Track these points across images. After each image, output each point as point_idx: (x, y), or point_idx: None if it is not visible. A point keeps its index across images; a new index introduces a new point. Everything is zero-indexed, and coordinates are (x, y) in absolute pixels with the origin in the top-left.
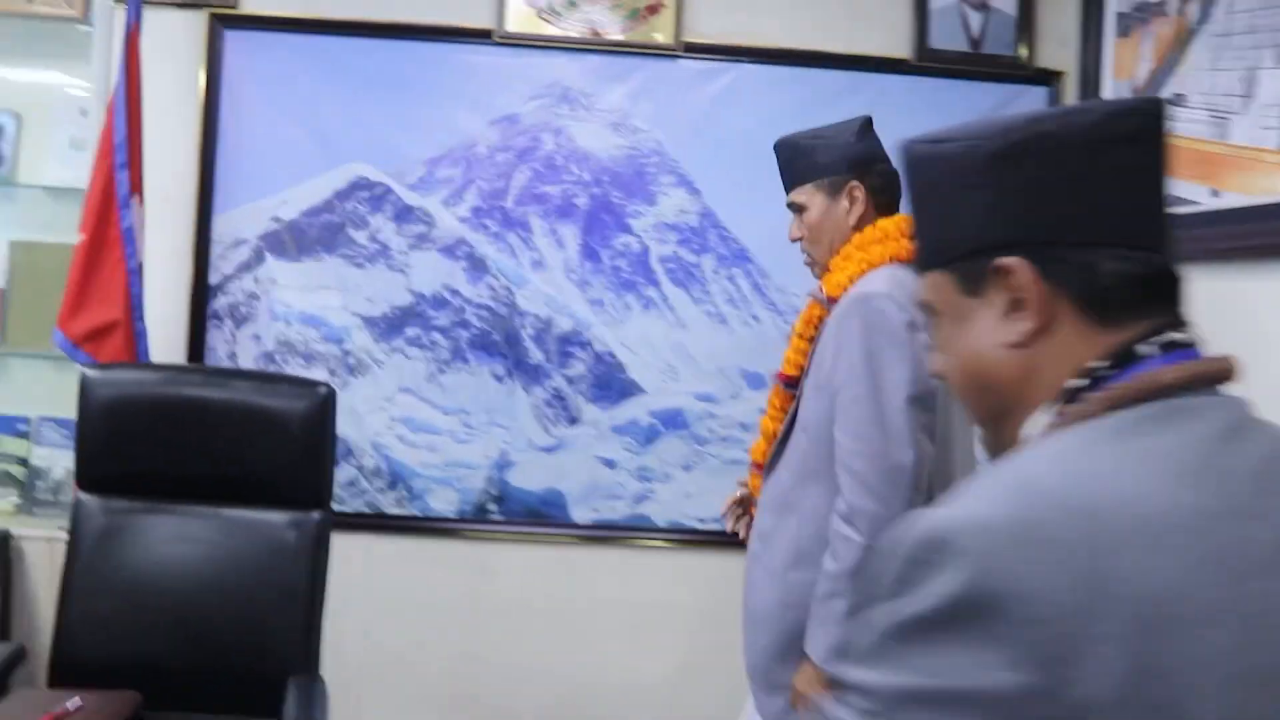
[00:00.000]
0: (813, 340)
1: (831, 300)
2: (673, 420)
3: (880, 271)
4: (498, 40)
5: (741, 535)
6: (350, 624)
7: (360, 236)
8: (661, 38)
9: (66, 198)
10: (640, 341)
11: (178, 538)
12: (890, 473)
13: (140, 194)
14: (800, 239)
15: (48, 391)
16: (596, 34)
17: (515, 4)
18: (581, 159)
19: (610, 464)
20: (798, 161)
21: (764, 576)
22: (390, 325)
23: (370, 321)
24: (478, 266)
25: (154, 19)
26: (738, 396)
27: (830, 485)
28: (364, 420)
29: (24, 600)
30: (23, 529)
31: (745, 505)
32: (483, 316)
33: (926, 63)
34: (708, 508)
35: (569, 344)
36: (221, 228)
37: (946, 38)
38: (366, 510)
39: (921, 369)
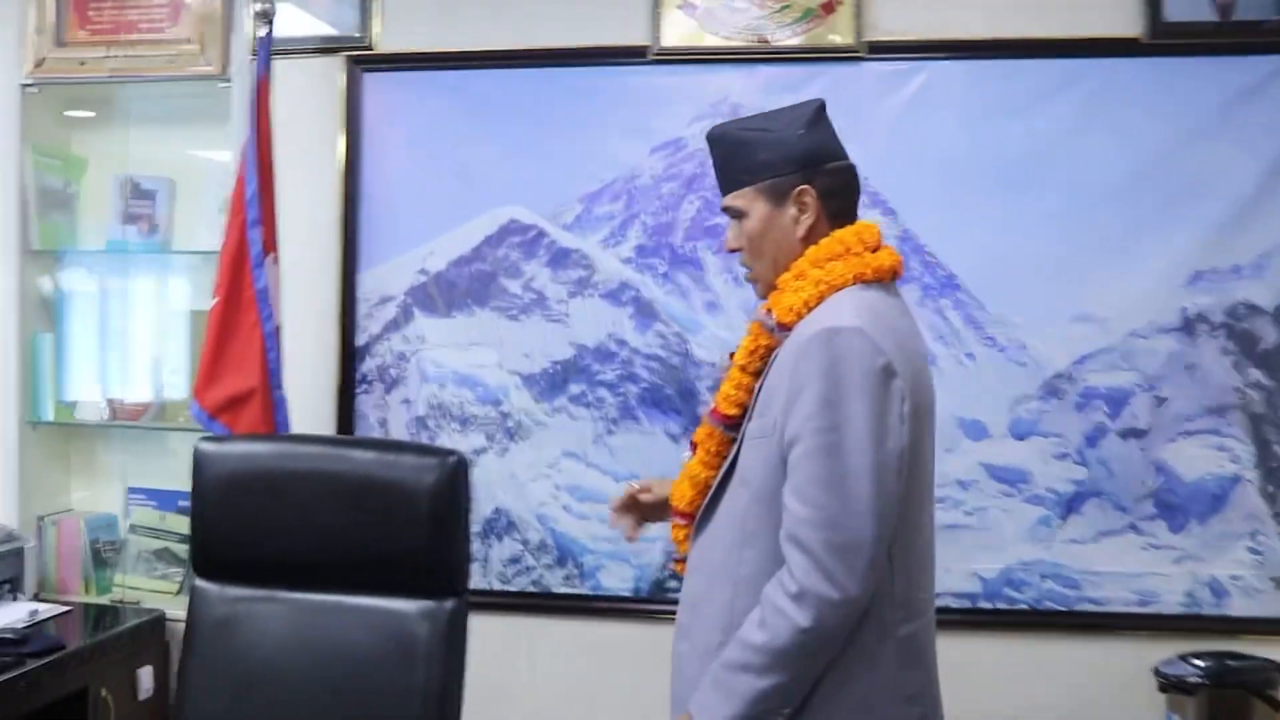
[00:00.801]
0: (757, 374)
1: (782, 328)
2: None
3: (845, 297)
4: (654, 58)
5: (630, 536)
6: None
7: (514, 286)
8: (840, 39)
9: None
10: None
11: (297, 630)
12: (846, 550)
13: (275, 252)
14: (738, 250)
15: None
16: (765, 41)
17: (672, 16)
18: None
19: None
20: (735, 159)
21: (691, 655)
22: (551, 383)
23: (529, 379)
24: (645, 312)
25: (288, 68)
26: (953, 450)
27: (772, 550)
28: (526, 489)
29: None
30: (179, 610)
31: (637, 506)
32: (653, 368)
33: (1162, 40)
34: None
35: None
36: (367, 285)
37: (1186, 8)
38: (533, 589)
39: (895, 424)
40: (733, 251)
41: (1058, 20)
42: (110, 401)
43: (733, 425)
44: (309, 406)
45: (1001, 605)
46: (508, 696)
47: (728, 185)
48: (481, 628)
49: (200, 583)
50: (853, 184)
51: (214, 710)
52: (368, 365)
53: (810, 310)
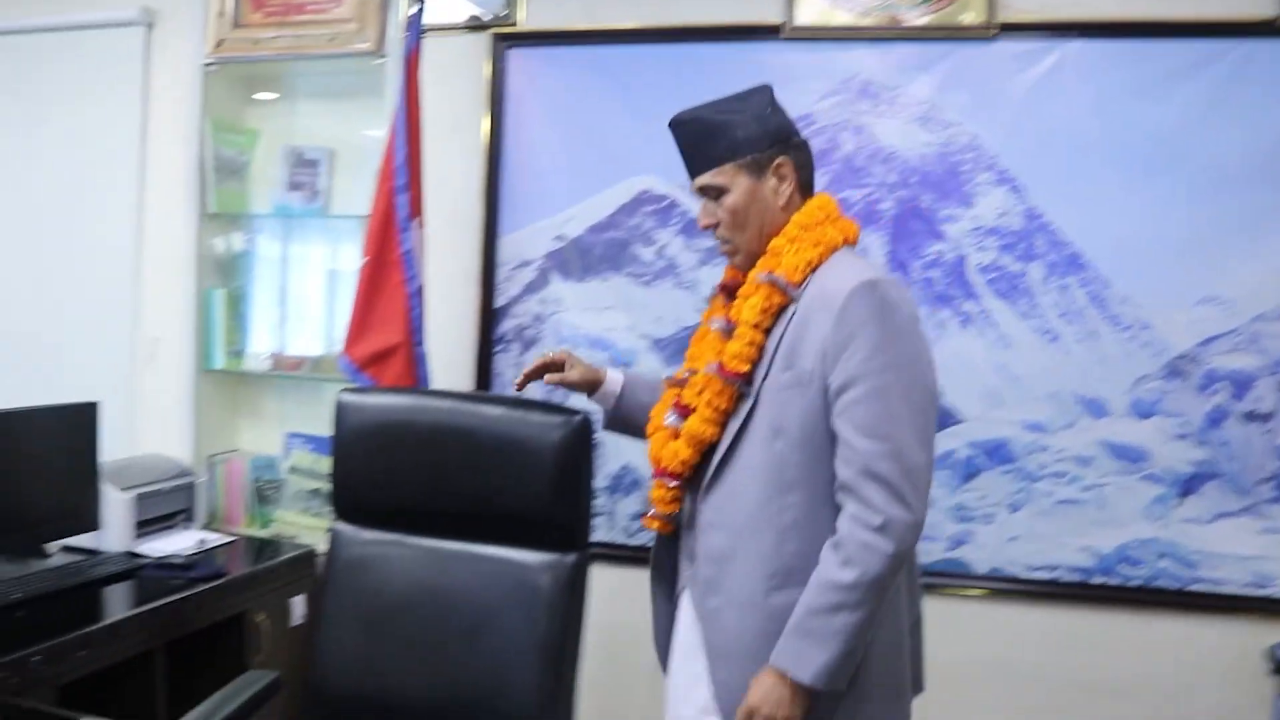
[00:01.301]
0: (769, 332)
1: (793, 286)
2: (996, 453)
3: (846, 257)
4: (787, 35)
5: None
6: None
7: (646, 253)
8: (972, 19)
9: None
10: (958, 363)
11: (425, 574)
12: (913, 474)
13: (420, 217)
14: (713, 225)
15: None
16: (896, 21)
17: None
18: (885, 159)
19: None
20: (711, 139)
21: (728, 607)
22: (680, 346)
23: (659, 343)
24: None
25: (438, 45)
26: (1074, 425)
27: (815, 493)
28: None
29: None
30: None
31: (551, 369)
32: None
33: None
34: (1038, 554)
35: None
36: (507, 249)
37: None
38: None
39: (931, 360)
40: (707, 228)
41: (1190, 1)
42: (273, 353)
43: (743, 381)
44: (450, 364)
45: (1115, 581)
46: (630, 647)
47: (704, 165)
48: (606, 580)
49: (337, 524)
50: (811, 159)
51: (348, 641)
52: (506, 325)
53: (815, 269)
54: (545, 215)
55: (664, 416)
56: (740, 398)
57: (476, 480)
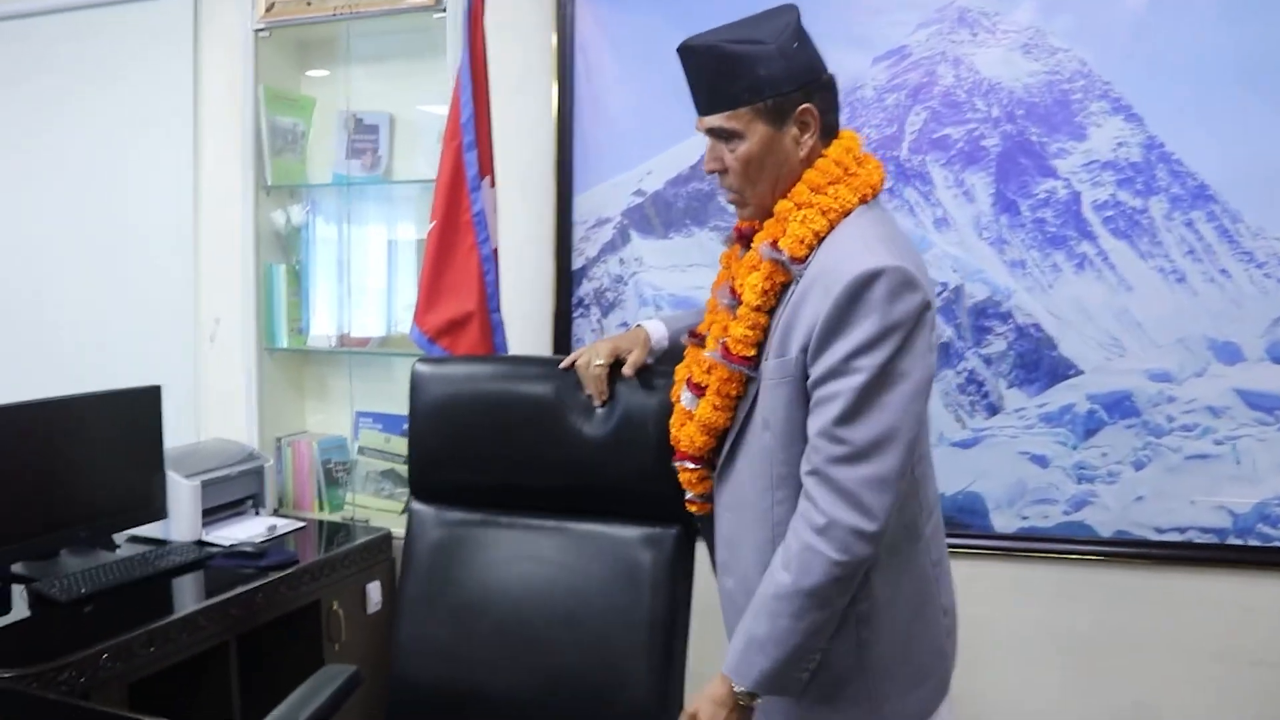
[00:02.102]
0: (772, 313)
1: (795, 262)
2: (1118, 405)
3: (857, 225)
4: None
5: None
6: None
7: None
8: None
9: None
10: (1074, 309)
11: (516, 555)
12: (875, 482)
13: (491, 175)
14: (721, 171)
15: None
16: None
17: None
18: (988, 91)
19: (1040, 461)
20: (728, 76)
21: (739, 590)
22: None
23: None
24: None
25: None
26: (1204, 373)
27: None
28: None
29: None
30: (404, 528)
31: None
32: None
33: None
34: (1166, 514)
35: (985, 316)
36: (582, 207)
37: None
38: None
39: (925, 353)
40: (712, 174)
41: None
42: (338, 329)
43: (750, 366)
44: (525, 331)
45: (1254, 542)
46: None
47: (717, 105)
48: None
49: (417, 505)
50: (837, 97)
51: (433, 630)
52: (584, 289)
53: (821, 240)
54: (622, 170)
55: (680, 391)
56: (749, 381)
57: (571, 451)
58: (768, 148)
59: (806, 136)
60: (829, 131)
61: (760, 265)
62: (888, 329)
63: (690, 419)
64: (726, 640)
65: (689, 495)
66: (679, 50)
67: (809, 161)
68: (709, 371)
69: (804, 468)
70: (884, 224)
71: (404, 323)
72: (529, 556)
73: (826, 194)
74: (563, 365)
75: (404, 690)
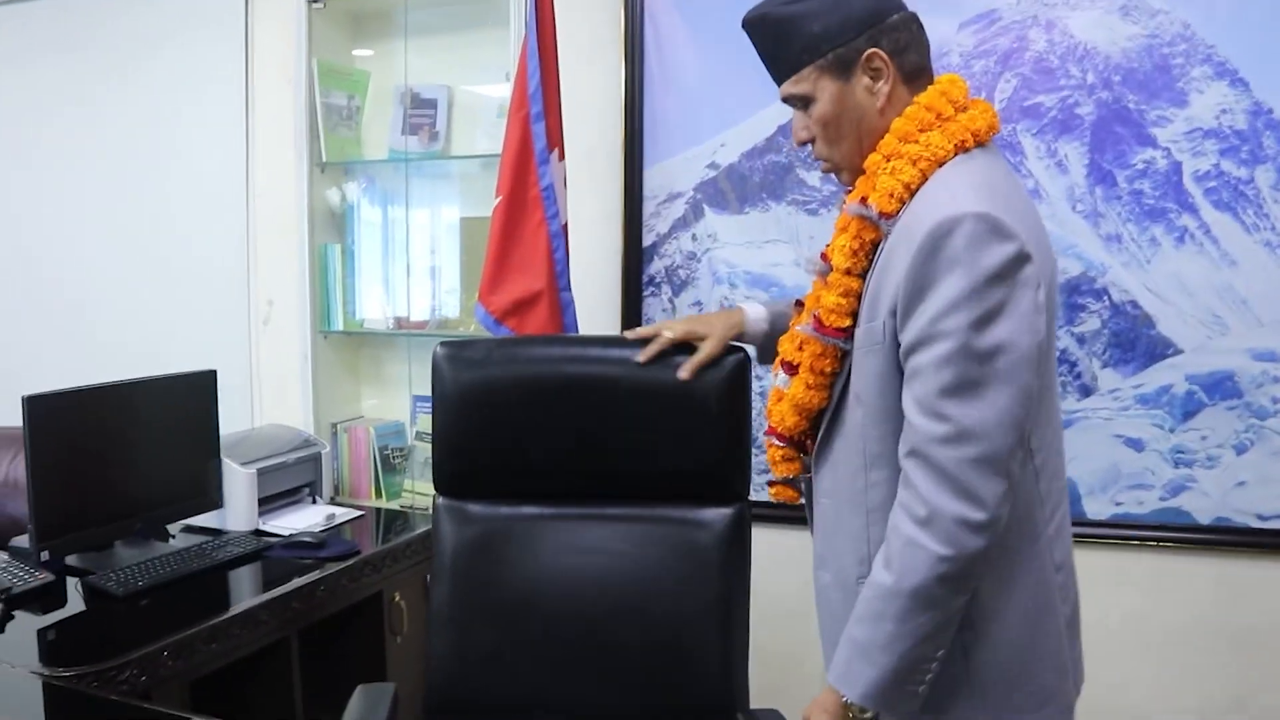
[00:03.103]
0: (864, 276)
1: (885, 218)
2: (1220, 387)
3: (952, 172)
4: None
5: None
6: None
7: (812, 177)
8: None
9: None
10: (1173, 286)
11: (562, 548)
12: (983, 464)
13: (561, 148)
14: (809, 141)
15: None
16: None
17: None
18: (1083, 57)
19: (1136, 445)
20: (785, 40)
21: (834, 586)
22: None
23: None
24: None
25: None
26: None
27: (899, 471)
28: None
29: None
30: None
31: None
32: None
33: None
34: (1270, 500)
35: (1079, 293)
36: (653, 181)
37: None
38: None
39: (1031, 315)
40: (802, 144)
41: None
42: (395, 311)
43: (845, 338)
44: (594, 311)
45: None
46: (794, 613)
47: (783, 72)
48: (769, 539)
49: (443, 501)
50: (922, 35)
51: (471, 643)
52: (655, 266)
53: (913, 193)
54: (694, 143)
55: (776, 370)
56: (845, 355)
57: (621, 435)
58: (840, 103)
59: (881, 84)
60: (914, 74)
61: (849, 225)
62: (976, 283)
63: (783, 397)
64: (821, 643)
65: (771, 477)
66: (743, 24)
67: (897, 110)
68: (801, 348)
69: (902, 448)
70: (986, 171)
71: (451, 305)
72: (584, 547)
73: (917, 142)
74: (631, 334)
75: (444, 707)
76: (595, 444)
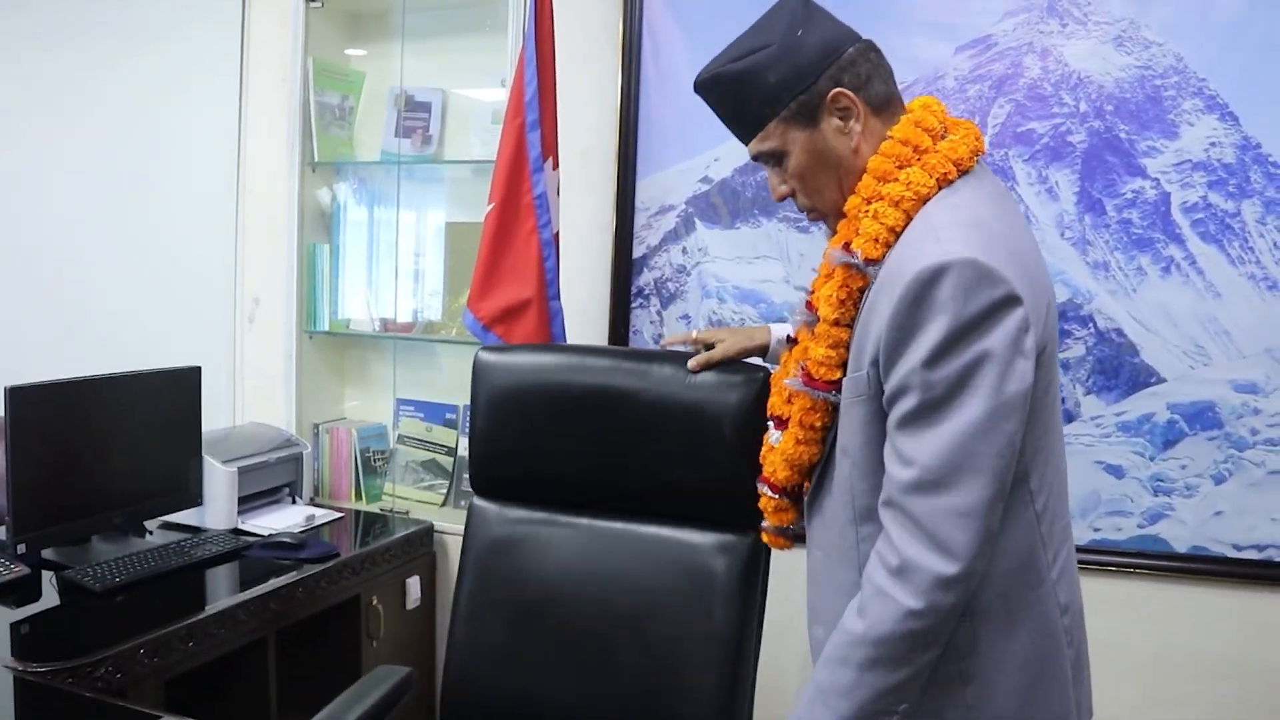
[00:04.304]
0: (851, 325)
1: (870, 264)
2: (1201, 416)
3: (936, 210)
4: None
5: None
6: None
7: None
8: None
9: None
10: (1158, 315)
11: (581, 558)
12: (957, 516)
13: (555, 157)
14: (790, 195)
15: None
16: None
17: None
18: (1076, 85)
19: (1116, 471)
20: (742, 98)
21: (825, 635)
22: None
23: None
24: None
25: None
26: None
27: None
28: None
29: (446, 595)
30: (446, 523)
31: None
32: None
33: None
34: (1246, 531)
35: (1065, 319)
36: (645, 193)
37: None
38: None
39: (1017, 362)
40: (783, 199)
41: None
42: (381, 313)
43: (835, 391)
44: (582, 320)
45: None
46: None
47: (748, 130)
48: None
49: (479, 501)
50: (882, 62)
51: (489, 633)
52: (645, 278)
53: (898, 235)
54: (688, 156)
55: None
56: (835, 408)
57: (642, 450)
58: (813, 152)
59: (852, 122)
60: (884, 104)
61: (835, 273)
62: (960, 331)
63: (774, 450)
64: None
65: (764, 524)
66: (696, 88)
67: (872, 144)
68: (790, 401)
69: (881, 498)
70: (971, 206)
71: (451, 311)
72: (596, 559)
73: (897, 180)
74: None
75: (458, 692)
76: (621, 457)
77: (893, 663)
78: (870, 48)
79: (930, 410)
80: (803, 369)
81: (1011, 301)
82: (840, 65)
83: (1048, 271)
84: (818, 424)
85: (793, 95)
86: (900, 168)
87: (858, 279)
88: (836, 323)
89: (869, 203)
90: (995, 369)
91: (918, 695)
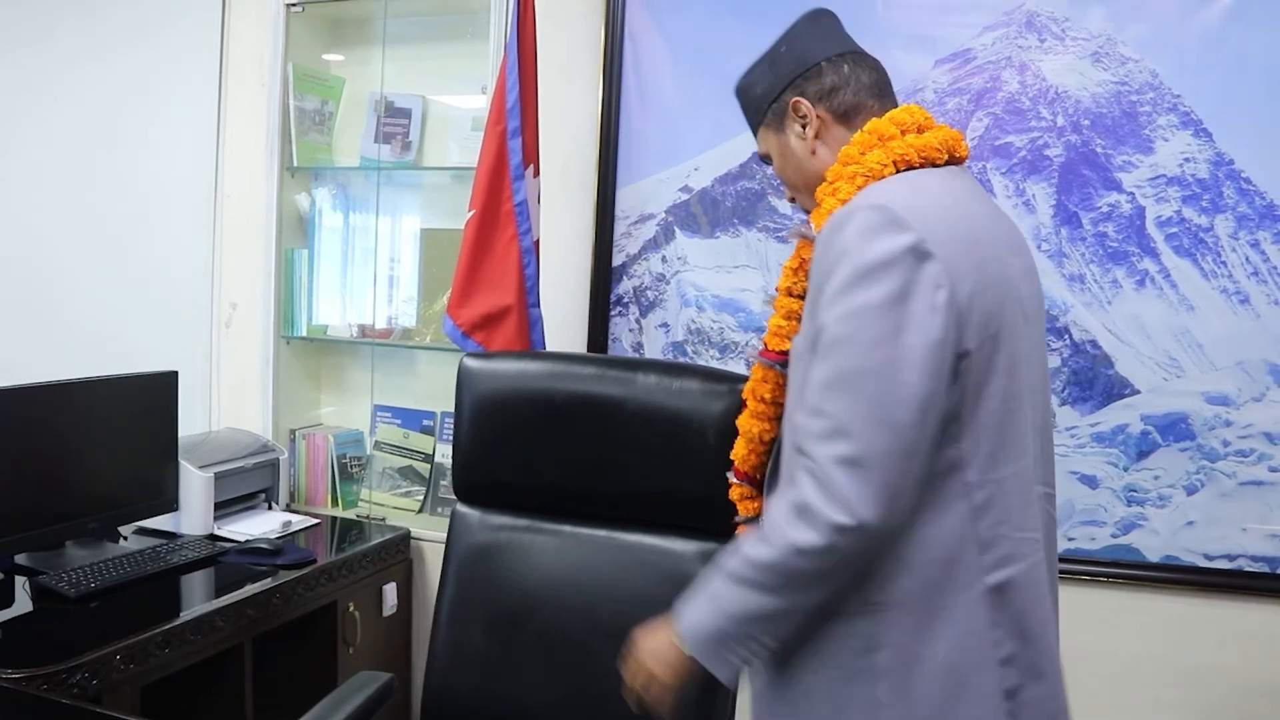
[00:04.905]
0: (804, 296)
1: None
2: (1174, 428)
3: (884, 184)
4: None
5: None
6: None
7: (784, 205)
8: None
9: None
10: (1132, 327)
11: (564, 565)
12: (855, 466)
13: (536, 165)
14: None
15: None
16: None
17: None
18: (1054, 100)
19: (1091, 482)
20: (747, 108)
21: None
22: None
23: None
24: None
25: None
26: (1263, 398)
27: None
28: None
29: (423, 602)
30: (423, 529)
31: None
32: None
33: None
34: (1217, 541)
35: None
36: (625, 202)
37: None
38: None
39: (921, 312)
40: (792, 201)
41: None
42: (359, 319)
43: (786, 363)
44: (561, 328)
45: None
46: None
47: (753, 135)
48: None
49: (461, 507)
50: (857, 73)
51: (471, 640)
52: (624, 286)
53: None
54: (668, 165)
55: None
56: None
57: (626, 457)
58: (782, 154)
59: (807, 129)
60: (850, 112)
61: (797, 248)
62: (856, 275)
63: (741, 434)
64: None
65: (736, 517)
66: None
67: (832, 149)
68: (763, 379)
69: (785, 444)
70: (916, 179)
71: (429, 318)
72: (578, 566)
73: (859, 163)
74: None
75: (437, 700)
76: (605, 464)
77: (768, 589)
78: (845, 59)
79: (827, 354)
80: (762, 342)
81: (918, 252)
82: (806, 76)
83: (1025, 281)
84: (767, 396)
85: (768, 104)
86: (863, 153)
87: (808, 248)
88: (789, 292)
89: (832, 183)
90: (891, 316)
91: (791, 636)
